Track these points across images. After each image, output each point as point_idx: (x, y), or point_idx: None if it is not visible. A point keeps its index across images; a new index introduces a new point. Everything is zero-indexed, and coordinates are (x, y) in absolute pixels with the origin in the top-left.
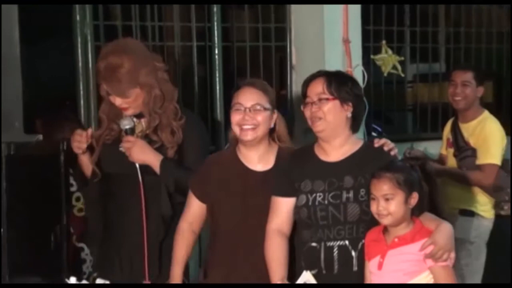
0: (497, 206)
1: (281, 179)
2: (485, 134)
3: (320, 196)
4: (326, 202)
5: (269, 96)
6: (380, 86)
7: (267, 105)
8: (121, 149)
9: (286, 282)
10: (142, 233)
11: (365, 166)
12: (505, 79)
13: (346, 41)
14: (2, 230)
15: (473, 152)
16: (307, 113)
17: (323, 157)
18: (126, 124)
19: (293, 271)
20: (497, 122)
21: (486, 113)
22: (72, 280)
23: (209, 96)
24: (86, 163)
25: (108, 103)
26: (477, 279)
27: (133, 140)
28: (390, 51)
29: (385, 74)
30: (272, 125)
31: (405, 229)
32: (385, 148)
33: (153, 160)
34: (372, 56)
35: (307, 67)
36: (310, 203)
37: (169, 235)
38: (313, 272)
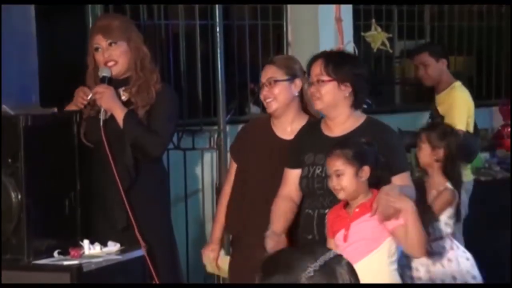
0: (477, 171)
1: (291, 151)
2: (451, 101)
3: (319, 169)
4: (323, 175)
5: (286, 68)
6: (369, 61)
7: (282, 77)
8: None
9: (276, 236)
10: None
11: None
12: (484, 55)
13: (339, 20)
14: (20, 196)
15: (442, 119)
16: (309, 92)
17: (327, 132)
18: (104, 72)
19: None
20: (464, 91)
21: (456, 84)
22: (85, 242)
23: (211, 71)
24: None
25: (92, 77)
26: None
27: (105, 87)
28: (379, 29)
29: (375, 50)
30: (296, 93)
31: (364, 200)
32: None
33: (119, 109)
34: (362, 34)
35: (302, 44)
36: (310, 175)
37: (135, 186)
38: (309, 237)
